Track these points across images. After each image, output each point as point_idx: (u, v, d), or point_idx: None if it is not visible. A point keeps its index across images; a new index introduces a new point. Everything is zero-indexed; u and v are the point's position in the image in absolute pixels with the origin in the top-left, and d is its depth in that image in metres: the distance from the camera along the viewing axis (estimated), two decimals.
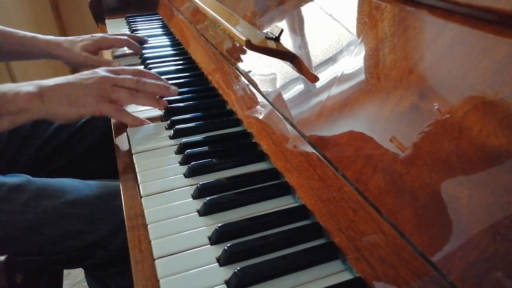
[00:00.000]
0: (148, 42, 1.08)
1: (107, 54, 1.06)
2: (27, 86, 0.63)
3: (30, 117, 0.63)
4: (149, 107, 0.74)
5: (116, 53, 1.04)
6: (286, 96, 0.58)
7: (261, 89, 0.65)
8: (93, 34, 0.98)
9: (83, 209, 0.68)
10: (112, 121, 0.73)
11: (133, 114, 0.70)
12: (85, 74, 0.68)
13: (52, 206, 0.67)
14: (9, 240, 0.66)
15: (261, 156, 0.58)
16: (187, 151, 0.59)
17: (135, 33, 1.16)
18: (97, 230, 0.68)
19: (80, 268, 0.98)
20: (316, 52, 0.55)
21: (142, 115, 0.72)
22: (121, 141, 0.67)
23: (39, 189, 0.68)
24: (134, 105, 0.73)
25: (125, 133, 0.68)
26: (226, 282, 0.40)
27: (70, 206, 0.67)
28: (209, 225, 0.47)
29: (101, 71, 0.69)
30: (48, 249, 0.68)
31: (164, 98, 0.73)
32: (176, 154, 0.61)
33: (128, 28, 1.24)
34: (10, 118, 0.62)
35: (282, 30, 0.63)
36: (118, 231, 0.68)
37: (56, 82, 0.65)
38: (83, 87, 0.65)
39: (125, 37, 1.01)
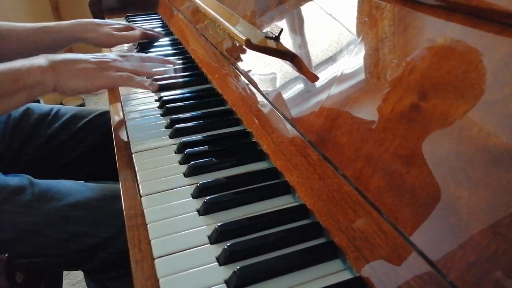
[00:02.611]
0: (147, 41, 1.08)
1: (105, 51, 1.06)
2: (39, 60, 0.67)
3: (43, 89, 0.66)
4: (149, 108, 0.75)
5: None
6: (286, 95, 0.58)
7: (261, 89, 0.65)
8: (119, 22, 1.00)
9: (84, 211, 0.68)
10: (112, 121, 0.73)
11: (133, 113, 0.71)
12: (95, 54, 0.73)
13: (54, 208, 0.67)
14: (11, 242, 0.66)
15: (261, 156, 0.58)
16: (187, 150, 0.59)
17: None
18: (98, 232, 0.68)
19: None
20: (316, 52, 0.55)
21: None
22: (121, 141, 0.67)
23: (41, 191, 0.68)
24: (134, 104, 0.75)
25: (125, 133, 0.68)
26: (226, 282, 0.40)
27: (72, 209, 0.67)
28: (208, 224, 0.47)
29: (111, 54, 0.74)
30: (49, 251, 0.68)
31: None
32: (176, 153, 0.61)
33: None
34: (26, 91, 0.65)
35: (282, 30, 0.63)
36: (119, 234, 0.68)
37: (66, 56, 0.69)
38: (92, 63, 0.69)
39: (139, 33, 1.03)
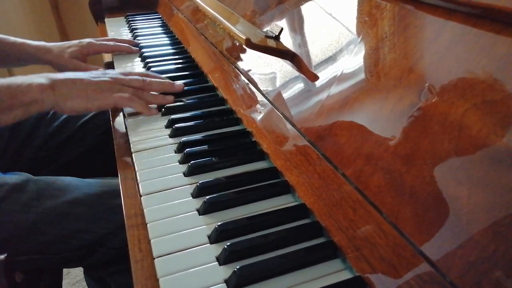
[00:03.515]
0: (147, 41, 1.08)
1: (107, 56, 1.06)
2: (39, 78, 0.67)
3: (41, 107, 0.66)
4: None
5: (115, 53, 1.04)
6: (286, 95, 0.58)
7: (261, 88, 0.65)
8: (80, 40, 0.99)
9: (83, 208, 0.68)
10: (112, 120, 0.73)
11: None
12: (95, 73, 0.72)
13: (53, 205, 0.67)
14: (10, 240, 0.66)
15: (261, 155, 0.58)
16: (187, 149, 0.59)
17: (134, 32, 1.16)
18: (97, 229, 0.68)
19: (80, 268, 0.98)
20: (316, 51, 0.55)
21: (141, 116, 0.72)
22: (121, 140, 0.67)
23: (40, 189, 0.68)
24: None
25: (125, 132, 0.68)
26: (226, 281, 0.40)
27: (71, 205, 0.68)
28: (208, 224, 0.47)
29: (110, 72, 0.73)
30: (49, 248, 0.68)
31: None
32: (175, 153, 0.61)
33: (128, 27, 1.24)
34: (23, 108, 0.65)
35: (282, 29, 0.63)
36: (118, 229, 0.68)
37: (67, 76, 0.69)
38: (92, 84, 0.69)
39: (112, 43, 1.01)
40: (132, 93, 0.71)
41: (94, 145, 0.93)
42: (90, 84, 0.69)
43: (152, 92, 0.74)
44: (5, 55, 0.94)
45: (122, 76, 0.73)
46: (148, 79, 0.75)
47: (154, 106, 0.73)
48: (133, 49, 1.02)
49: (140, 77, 0.74)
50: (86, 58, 0.98)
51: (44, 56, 0.95)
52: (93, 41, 1.00)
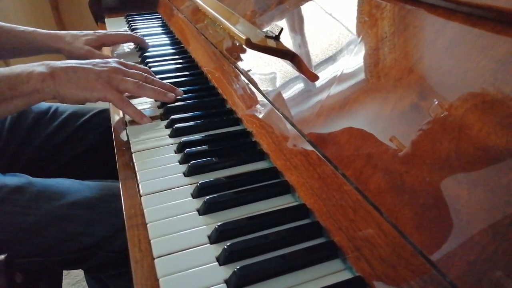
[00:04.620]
0: (148, 41, 1.08)
1: (106, 52, 1.06)
2: (39, 66, 0.65)
3: (42, 97, 0.65)
4: (149, 108, 0.75)
5: (116, 52, 1.04)
6: (286, 95, 0.58)
7: (261, 88, 0.65)
8: (96, 30, 0.98)
9: (83, 211, 0.68)
10: (112, 120, 0.73)
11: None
12: (97, 61, 0.71)
13: (53, 208, 0.67)
14: (9, 242, 0.66)
15: (261, 155, 0.58)
16: (187, 150, 0.59)
17: (135, 32, 1.16)
18: (97, 231, 0.68)
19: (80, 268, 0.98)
20: (316, 51, 0.55)
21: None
22: (121, 140, 0.67)
23: (40, 191, 0.68)
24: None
25: (125, 132, 0.68)
26: (226, 281, 0.40)
27: (70, 208, 0.67)
28: (208, 224, 0.47)
29: (113, 62, 0.72)
30: (48, 251, 0.68)
31: None
32: (175, 153, 0.61)
33: (128, 27, 1.24)
34: (24, 98, 0.64)
35: (282, 29, 0.63)
36: (118, 232, 0.68)
37: (68, 64, 0.68)
38: (93, 73, 0.68)
39: (129, 33, 1.03)
40: (134, 84, 0.70)
41: (93, 145, 0.93)
42: (90, 72, 0.67)
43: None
44: (17, 44, 0.93)
45: (124, 68, 0.72)
46: (151, 77, 0.74)
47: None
48: (147, 44, 1.03)
49: (143, 72, 0.74)
50: (100, 48, 0.98)
51: (56, 44, 0.94)
52: (109, 31, 1.00)
